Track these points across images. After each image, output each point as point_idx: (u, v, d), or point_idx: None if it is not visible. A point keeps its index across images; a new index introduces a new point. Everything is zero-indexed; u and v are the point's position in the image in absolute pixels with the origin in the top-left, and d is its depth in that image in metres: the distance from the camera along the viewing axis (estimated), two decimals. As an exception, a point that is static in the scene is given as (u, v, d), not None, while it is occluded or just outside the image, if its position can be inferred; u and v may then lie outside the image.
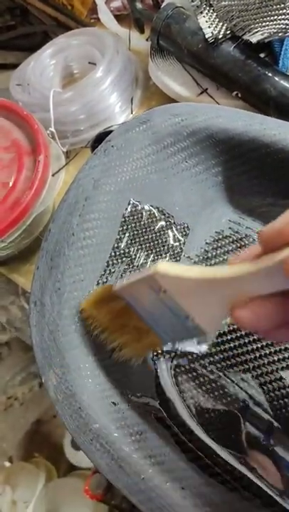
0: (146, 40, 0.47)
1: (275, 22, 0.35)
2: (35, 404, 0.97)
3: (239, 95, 0.37)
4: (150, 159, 0.31)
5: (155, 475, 0.23)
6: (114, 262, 0.29)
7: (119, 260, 0.29)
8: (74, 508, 0.82)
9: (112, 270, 0.29)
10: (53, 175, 0.35)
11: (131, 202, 0.30)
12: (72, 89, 0.44)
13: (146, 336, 0.22)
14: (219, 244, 0.32)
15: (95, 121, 0.44)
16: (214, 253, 0.32)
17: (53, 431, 0.96)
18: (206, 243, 0.32)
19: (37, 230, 0.36)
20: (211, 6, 0.39)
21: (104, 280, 0.28)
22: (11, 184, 0.33)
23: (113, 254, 0.29)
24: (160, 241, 0.31)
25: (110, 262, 0.29)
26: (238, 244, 0.32)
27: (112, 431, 0.24)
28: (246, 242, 0.32)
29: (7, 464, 0.97)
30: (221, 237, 0.32)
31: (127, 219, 0.30)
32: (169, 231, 0.32)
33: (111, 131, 0.36)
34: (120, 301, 0.22)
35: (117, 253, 0.29)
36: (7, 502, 0.86)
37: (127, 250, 0.29)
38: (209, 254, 0.32)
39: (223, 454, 0.25)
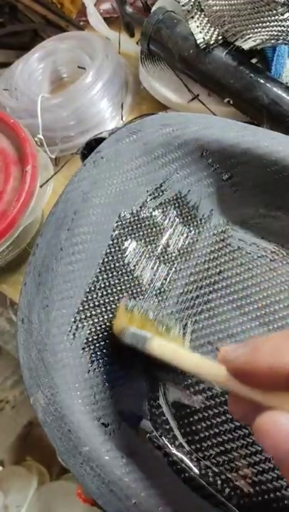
0: (137, 43, 0.46)
1: (267, 29, 0.35)
2: (27, 408, 0.96)
3: (231, 102, 0.37)
4: (141, 171, 0.30)
5: (147, 499, 0.23)
6: (104, 276, 0.28)
7: (109, 275, 0.28)
8: (67, 511, 0.81)
9: (102, 285, 0.28)
10: (41, 186, 0.35)
11: (121, 215, 0.29)
12: (61, 94, 0.43)
13: None
14: (211, 257, 0.31)
15: (84, 127, 0.43)
16: (207, 266, 0.31)
17: (44, 434, 0.95)
18: (198, 256, 0.32)
19: (25, 241, 0.35)
20: (202, 10, 0.38)
21: (94, 296, 0.28)
22: (-3, 195, 0.33)
23: (103, 269, 0.28)
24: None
25: (100, 277, 0.28)
26: (231, 257, 0.31)
27: (103, 454, 0.24)
28: (239, 255, 0.31)
29: (-2, 468, 0.96)
30: (212, 249, 0.32)
31: (116, 231, 0.29)
32: (161, 243, 0.31)
33: (101, 138, 0.35)
34: None
35: (107, 268, 0.28)
36: (-1, 507, 0.85)
37: (117, 265, 0.29)
38: (201, 267, 0.31)
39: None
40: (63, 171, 0.42)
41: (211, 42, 0.36)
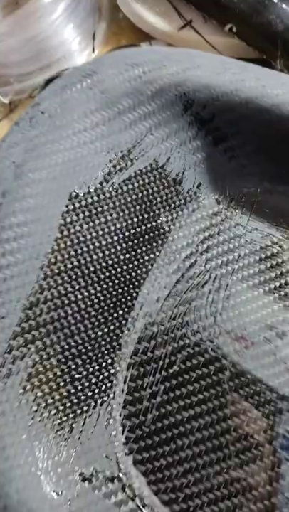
0: None
1: None
2: None
3: (234, 30, 0.28)
4: (99, 131, 0.21)
5: None
6: (52, 284, 0.20)
7: (58, 281, 0.20)
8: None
9: (49, 296, 0.20)
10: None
11: (73, 195, 0.21)
12: (10, 19, 0.32)
13: None
14: (199, 249, 0.23)
15: (45, 61, 0.34)
16: (193, 260, 0.23)
17: None
18: (186, 245, 0.24)
19: None
20: None
21: (37, 312, 0.20)
22: None
23: (49, 273, 0.20)
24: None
25: (45, 285, 0.20)
26: (225, 248, 0.23)
27: None
28: (236, 245, 0.23)
29: None
30: (201, 238, 0.24)
31: (67, 220, 0.21)
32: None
33: None
34: None
35: (55, 271, 0.20)
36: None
37: (69, 266, 0.21)
38: (186, 263, 0.23)
39: None
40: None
41: None
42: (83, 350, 0.20)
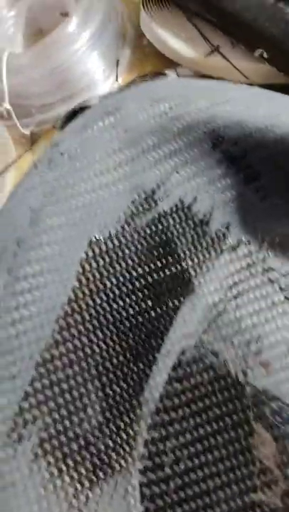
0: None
1: None
2: None
3: (265, 55, 0.26)
4: (122, 172, 0.20)
5: None
6: (67, 337, 0.19)
7: (74, 334, 0.19)
8: None
9: (64, 351, 0.19)
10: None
11: (93, 241, 0.20)
12: (34, 49, 0.32)
13: None
14: (228, 296, 0.21)
15: (68, 92, 0.33)
16: (222, 307, 0.21)
17: None
18: (214, 290, 0.22)
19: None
20: None
21: (50, 368, 0.18)
22: None
23: (64, 325, 0.19)
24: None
25: (60, 339, 0.18)
26: (258, 294, 0.21)
27: None
28: (269, 292, 0.21)
29: None
30: (230, 283, 0.22)
31: (86, 267, 0.19)
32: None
33: (88, 107, 0.25)
34: None
35: (71, 323, 0.19)
36: None
37: (87, 318, 0.19)
38: (214, 312, 0.21)
39: None
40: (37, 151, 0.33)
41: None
42: (99, 409, 0.19)
